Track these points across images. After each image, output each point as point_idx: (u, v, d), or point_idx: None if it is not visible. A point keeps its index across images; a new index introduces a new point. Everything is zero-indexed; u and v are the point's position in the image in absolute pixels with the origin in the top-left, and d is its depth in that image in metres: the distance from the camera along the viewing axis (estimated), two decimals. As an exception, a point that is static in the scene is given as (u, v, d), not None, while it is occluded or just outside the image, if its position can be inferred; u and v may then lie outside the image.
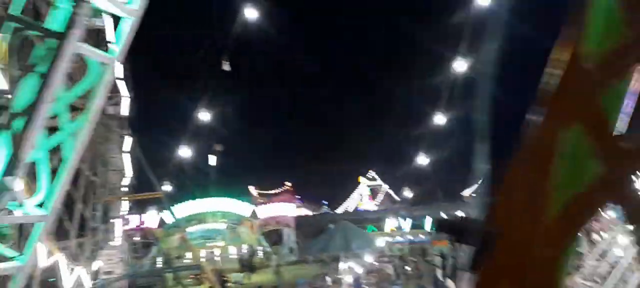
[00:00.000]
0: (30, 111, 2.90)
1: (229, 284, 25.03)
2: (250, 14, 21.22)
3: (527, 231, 0.74)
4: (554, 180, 0.90)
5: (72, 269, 20.29)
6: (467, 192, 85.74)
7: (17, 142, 2.94)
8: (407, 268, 29.61)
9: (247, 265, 33.35)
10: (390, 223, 39.76)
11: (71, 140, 3.72)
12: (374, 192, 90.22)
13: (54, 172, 3.90)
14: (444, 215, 41.03)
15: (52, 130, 4.17)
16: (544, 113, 0.96)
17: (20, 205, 2.99)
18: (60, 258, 19.58)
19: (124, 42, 3.72)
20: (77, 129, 3.72)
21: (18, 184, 2.87)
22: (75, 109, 4.20)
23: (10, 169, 2.90)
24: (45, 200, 3.66)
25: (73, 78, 4.46)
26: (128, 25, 3.84)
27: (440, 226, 1.06)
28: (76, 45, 3.07)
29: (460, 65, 19.12)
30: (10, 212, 3.14)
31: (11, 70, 3.27)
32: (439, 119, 22.70)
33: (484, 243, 0.67)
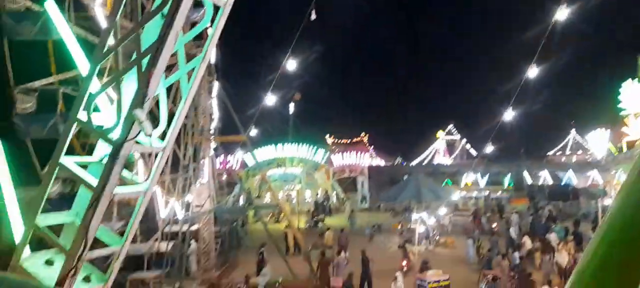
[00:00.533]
0: (155, 49, 3.11)
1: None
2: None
3: None
4: None
5: (167, 201, 22.25)
6: (552, 152, 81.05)
7: (144, 78, 3.17)
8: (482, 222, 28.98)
9: (322, 208, 34.48)
10: (466, 178, 38.68)
11: (187, 79, 3.96)
12: (451, 146, 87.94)
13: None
14: (526, 173, 39.24)
15: (168, 69, 4.46)
16: None
17: (147, 136, 3.28)
18: (157, 191, 21.48)
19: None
20: (193, 68, 3.95)
21: (145, 116, 3.13)
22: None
23: (138, 102, 3.16)
24: (165, 133, 3.97)
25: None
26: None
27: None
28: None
29: (558, 15, 17.43)
30: (137, 143, 3.45)
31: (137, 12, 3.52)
32: (527, 72, 21.12)
33: None
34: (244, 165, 37.69)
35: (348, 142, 57.51)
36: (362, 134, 59.10)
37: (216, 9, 3.91)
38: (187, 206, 21.66)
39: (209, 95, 22.11)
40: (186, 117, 22.85)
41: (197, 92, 21.27)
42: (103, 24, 12.57)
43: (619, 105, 36.58)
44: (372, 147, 62.15)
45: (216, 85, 23.07)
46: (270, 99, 26.29)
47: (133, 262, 17.39)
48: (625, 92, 35.56)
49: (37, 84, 13.95)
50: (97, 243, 3.79)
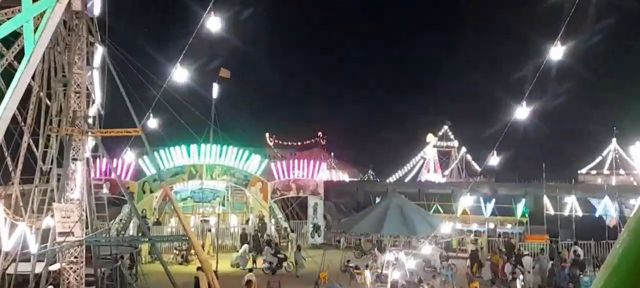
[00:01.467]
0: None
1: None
2: None
3: None
4: None
5: (14, 225, 21.39)
6: (584, 170, 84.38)
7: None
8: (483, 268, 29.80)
9: (258, 242, 34.41)
10: (464, 203, 39.61)
11: (32, 27, 3.79)
12: (444, 157, 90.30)
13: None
14: (547, 199, 40.71)
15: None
16: None
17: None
18: None
19: None
20: (43, 10, 3.79)
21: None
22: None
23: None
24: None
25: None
26: None
27: None
28: None
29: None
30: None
31: None
32: (548, 54, 21.86)
33: None
34: (137, 174, 36.83)
35: (298, 145, 57.68)
36: (319, 135, 59.49)
37: None
38: (45, 234, 20.96)
39: (87, 65, 21.49)
40: (50, 96, 22.14)
41: (70, 60, 20.64)
42: None
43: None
44: (333, 154, 62.62)
45: (100, 51, 22.43)
46: (182, 76, 25.88)
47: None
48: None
49: None
50: None
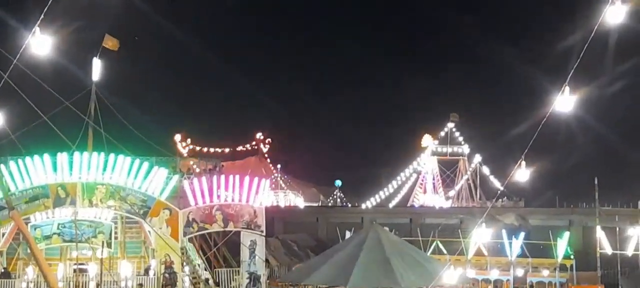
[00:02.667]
0: None
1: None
2: None
3: None
4: None
5: None
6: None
7: None
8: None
9: None
10: (478, 239, 39.54)
11: None
12: (448, 169, 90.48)
13: None
14: (599, 230, 40.79)
15: None
16: None
17: None
18: None
19: None
20: None
21: None
22: None
23: None
24: None
25: None
26: None
27: None
28: None
29: None
30: None
31: None
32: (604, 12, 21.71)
33: None
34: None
35: (226, 153, 57.22)
36: (257, 137, 59.09)
37: None
38: None
39: None
40: None
41: None
42: None
43: None
44: (279, 166, 62.33)
45: None
46: (45, 46, 24.99)
47: None
48: None
49: None
50: None
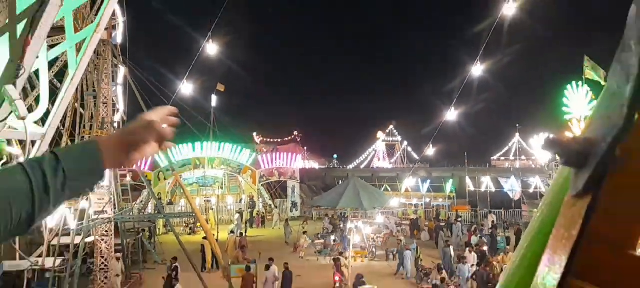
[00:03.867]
0: (33, 13, 2.88)
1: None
2: None
3: None
4: None
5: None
6: (496, 157, 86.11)
7: (18, 47, 2.93)
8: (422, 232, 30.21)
9: (263, 219, 34.40)
10: (407, 183, 40.05)
11: (74, 52, 3.72)
12: (391, 149, 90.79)
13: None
14: (468, 180, 41.34)
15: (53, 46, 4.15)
16: None
17: (19, 119, 3.02)
18: (45, 195, 20.15)
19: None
20: (83, 38, 3.72)
21: (18, 95, 2.88)
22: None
23: (9, 77, 2.92)
24: (44, 116, 3.71)
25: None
26: None
27: (551, 143, 0.88)
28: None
29: (507, 9, 18.58)
30: (8, 126, 3.19)
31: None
32: (470, 71, 22.31)
33: (605, 168, 0.58)
34: (153, 166, 36.36)
35: (278, 141, 57.49)
36: (294, 133, 59.39)
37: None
38: (82, 214, 20.53)
39: (113, 82, 21.13)
40: (83, 106, 21.69)
41: (98, 78, 20.26)
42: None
43: (564, 109, 39.81)
44: (306, 148, 62.63)
45: (122, 70, 22.10)
46: (188, 89, 25.61)
47: (10, 281, 16.27)
48: (570, 95, 38.80)
49: None
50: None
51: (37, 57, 3.14)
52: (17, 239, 17.17)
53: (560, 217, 0.82)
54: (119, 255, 20.21)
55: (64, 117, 20.94)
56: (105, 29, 18.98)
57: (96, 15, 18.58)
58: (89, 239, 20.28)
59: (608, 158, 0.67)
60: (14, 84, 2.94)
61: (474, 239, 23.67)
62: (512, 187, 40.40)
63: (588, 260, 0.67)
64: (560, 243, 0.75)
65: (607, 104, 0.71)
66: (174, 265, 18.40)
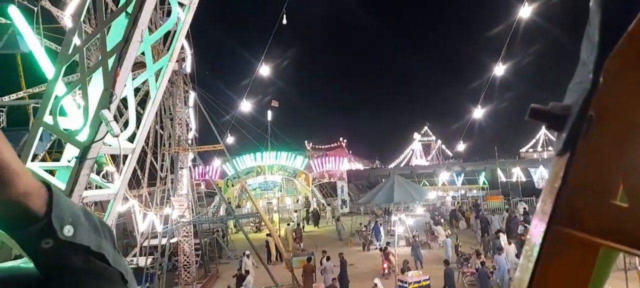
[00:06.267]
0: (120, 49, 3.06)
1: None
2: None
3: (628, 120, 0.57)
4: None
5: (145, 214, 21.85)
6: (524, 149, 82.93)
7: (110, 78, 3.11)
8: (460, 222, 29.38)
9: (314, 216, 34.50)
10: (443, 178, 39.17)
11: (155, 79, 3.90)
12: (427, 148, 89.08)
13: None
14: (499, 171, 39.96)
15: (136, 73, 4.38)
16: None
17: (115, 137, 3.20)
18: (135, 204, 21.07)
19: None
20: (160, 67, 3.90)
21: (112, 117, 3.06)
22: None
23: (104, 103, 3.09)
24: (134, 134, 3.89)
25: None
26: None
27: (534, 112, 0.85)
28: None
29: (523, 11, 17.91)
30: (105, 145, 3.38)
31: (101, 13, 3.42)
32: (497, 70, 21.59)
33: (579, 128, 0.56)
34: (222, 174, 37.32)
35: (327, 147, 57.61)
36: (341, 139, 59.27)
37: (182, 7, 3.89)
38: (166, 219, 21.33)
39: (185, 105, 21.92)
40: (162, 128, 22.60)
41: (173, 103, 21.06)
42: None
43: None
44: (351, 151, 62.42)
45: (192, 95, 22.90)
46: (247, 107, 26.18)
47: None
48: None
49: (6, 99, 13.59)
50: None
51: (125, 86, 3.33)
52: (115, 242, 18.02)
53: (549, 175, 0.81)
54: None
55: (147, 137, 21.88)
56: (176, 61, 19.74)
57: (168, 49, 19.35)
58: (173, 240, 21.02)
59: (581, 118, 0.68)
60: (109, 108, 3.12)
61: (521, 228, 21.41)
62: (541, 176, 38.81)
63: (571, 209, 0.66)
64: (547, 196, 0.75)
65: (580, 73, 0.72)
66: (243, 256, 18.73)
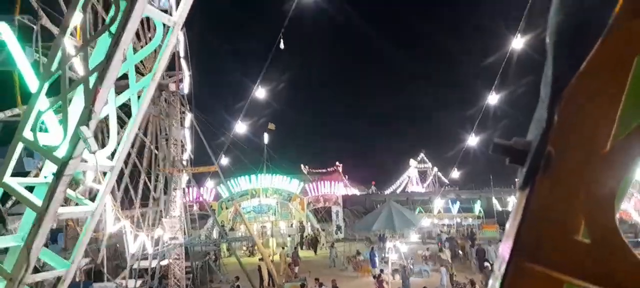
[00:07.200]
0: (102, 68, 3.08)
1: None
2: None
3: (584, 155, 0.57)
4: (622, 103, 0.65)
5: (136, 235, 21.59)
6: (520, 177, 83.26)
7: (90, 95, 3.12)
8: (456, 250, 29.12)
9: (312, 241, 34.17)
10: (438, 205, 39.01)
11: (137, 98, 3.92)
12: (423, 174, 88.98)
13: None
14: (495, 200, 39.88)
15: (120, 91, 4.41)
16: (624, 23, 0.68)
17: (92, 154, 3.19)
18: (126, 225, 20.85)
19: (185, 4, 3.88)
20: (142, 87, 3.92)
21: (91, 134, 3.06)
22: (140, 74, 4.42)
23: (84, 120, 3.10)
24: (114, 151, 3.89)
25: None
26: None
27: (496, 147, 0.85)
28: (144, 6, 3.23)
29: (516, 43, 18.18)
30: (83, 161, 3.36)
31: (86, 31, 3.46)
32: (491, 99, 21.78)
33: (538, 163, 0.57)
34: (217, 196, 37.08)
35: (323, 171, 57.48)
36: (337, 164, 59.20)
37: (167, 28, 3.94)
38: (157, 241, 21.10)
39: (181, 127, 21.94)
40: (157, 148, 22.57)
41: (169, 123, 21.09)
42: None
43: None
44: (347, 177, 62.25)
45: (189, 116, 22.94)
46: (243, 129, 26.19)
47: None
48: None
49: (0, 115, 13.61)
50: (45, 267, 3.64)
51: (106, 103, 3.34)
52: (105, 263, 17.75)
53: (512, 210, 0.82)
54: None
55: (141, 157, 21.78)
56: (174, 82, 19.86)
57: (173, 68, 19.43)
58: (164, 262, 20.74)
59: (538, 155, 0.68)
60: (88, 126, 3.12)
61: None
62: (537, 205, 38.78)
63: (533, 244, 0.65)
64: (510, 230, 0.74)
65: (539, 109, 0.73)
66: (236, 284, 18.47)
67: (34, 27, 12.76)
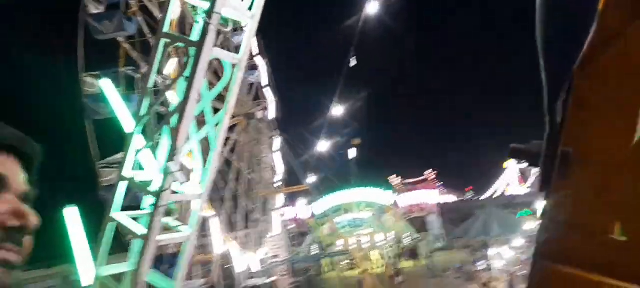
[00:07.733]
0: (181, 109, 3.46)
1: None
2: (377, 9, 21.37)
3: (608, 153, 0.54)
4: None
5: (242, 255, 22.82)
6: None
7: (174, 134, 3.50)
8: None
9: (412, 252, 33.54)
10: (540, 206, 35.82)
11: (214, 130, 4.29)
12: (524, 174, 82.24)
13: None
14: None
15: (201, 124, 4.87)
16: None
17: (181, 185, 3.57)
18: (233, 246, 22.16)
19: (247, 43, 4.22)
20: (218, 121, 4.28)
21: (177, 168, 3.43)
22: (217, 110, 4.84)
23: (171, 156, 3.48)
24: (200, 181, 4.26)
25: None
26: (249, 29, 4.35)
27: (514, 152, 0.82)
28: (211, 50, 3.59)
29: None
30: (174, 192, 3.76)
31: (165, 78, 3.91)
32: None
33: (556, 164, 0.55)
34: (312, 214, 37.81)
35: (414, 181, 56.12)
36: (429, 171, 57.49)
37: (234, 66, 4.27)
38: (262, 260, 22.07)
39: (270, 150, 22.94)
40: (252, 172, 23.80)
41: (259, 149, 22.18)
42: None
43: None
44: (441, 183, 60.04)
45: (278, 140, 23.90)
46: (330, 147, 26.59)
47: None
48: None
49: (117, 157, 15.38)
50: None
51: (188, 139, 3.72)
52: (220, 282, 18.99)
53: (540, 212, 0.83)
54: None
55: (238, 182, 23.06)
56: (262, 109, 20.94)
57: (253, 99, 20.51)
58: (271, 279, 21.62)
59: (551, 157, 0.69)
60: (173, 160, 3.50)
61: None
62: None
63: (558, 246, 0.66)
64: (537, 233, 0.76)
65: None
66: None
67: (136, 76, 14.26)
